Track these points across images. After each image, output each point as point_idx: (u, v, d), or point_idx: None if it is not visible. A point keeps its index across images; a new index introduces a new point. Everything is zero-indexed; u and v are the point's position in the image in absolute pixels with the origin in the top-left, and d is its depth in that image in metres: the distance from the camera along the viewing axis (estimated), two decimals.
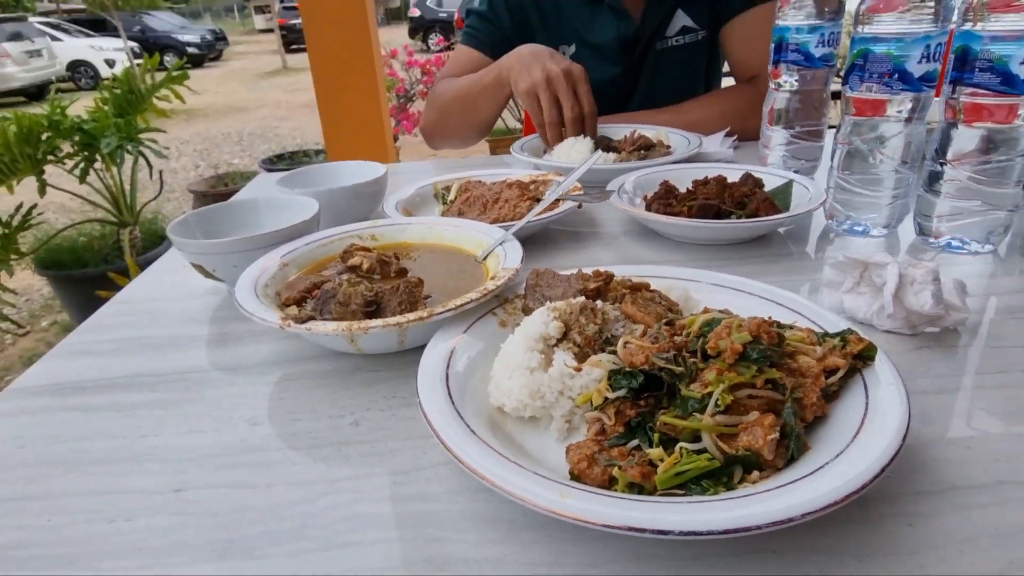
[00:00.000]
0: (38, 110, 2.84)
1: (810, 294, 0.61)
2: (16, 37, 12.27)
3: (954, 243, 0.68)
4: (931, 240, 0.69)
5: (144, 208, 3.53)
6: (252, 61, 19.24)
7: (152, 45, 16.71)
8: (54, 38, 13.73)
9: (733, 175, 0.83)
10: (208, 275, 0.66)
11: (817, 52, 0.84)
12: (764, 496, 0.32)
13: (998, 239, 0.67)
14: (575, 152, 0.99)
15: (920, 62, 0.64)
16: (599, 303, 0.47)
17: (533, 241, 0.76)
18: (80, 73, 14.21)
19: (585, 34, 1.25)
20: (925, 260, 0.53)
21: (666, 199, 0.77)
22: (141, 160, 3.13)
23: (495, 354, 0.46)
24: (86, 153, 3.01)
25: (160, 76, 3.36)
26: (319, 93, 2.62)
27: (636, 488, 0.35)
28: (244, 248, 0.62)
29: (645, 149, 1.01)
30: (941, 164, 0.65)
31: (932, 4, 0.61)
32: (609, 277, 0.51)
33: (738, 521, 0.30)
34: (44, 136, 2.85)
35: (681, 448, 0.36)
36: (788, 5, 0.83)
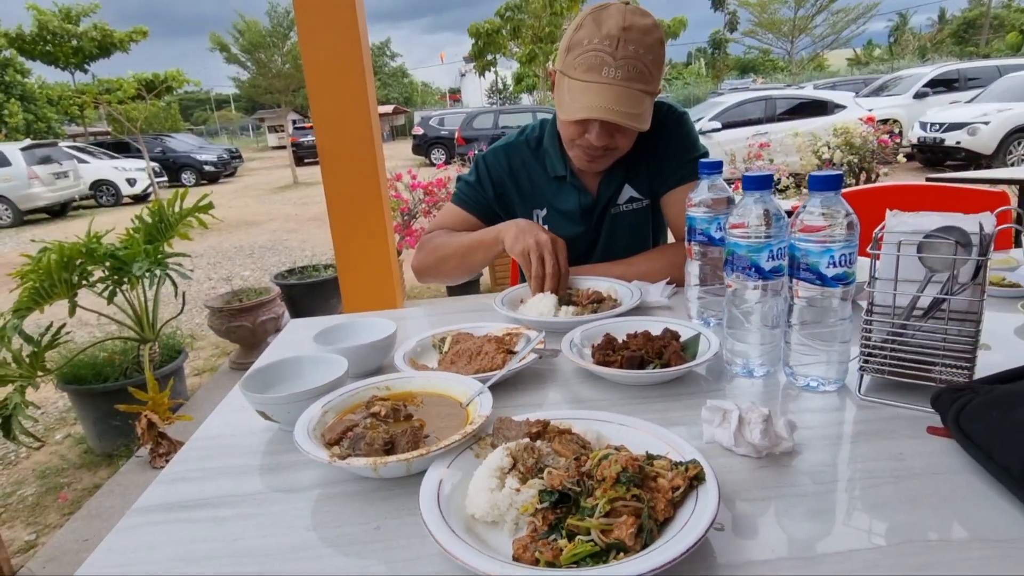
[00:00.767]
0: (71, 234, 3.13)
1: (700, 425, 0.86)
2: (45, 161, 13.10)
3: (811, 383, 0.93)
4: (795, 381, 0.95)
5: (164, 325, 3.78)
6: (264, 176, 20.27)
7: (172, 165, 17.83)
8: (80, 160, 14.63)
9: (658, 328, 1.10)
10: (267, 418, 0.91)
11: (717, 235, 1.13)
12: (621, 567, 0.56)
13: (843, 379, 0.93)
14: (543, 306, 1.27)
15: (768, 260, 0.92)
16: (538, 443, 0.72)
17: (507, 384, 1.02)
18: (102, 192, 15.02)
19: (553, 202, 1.58)
20: (761, 407, 0.78)
21: (606, 349, 1.04)
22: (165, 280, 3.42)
23: (471, 477, 0.70)
24: (116, 277, 3.29)
25: (186, 202, 3.67)
26: (332, 219, 2.94)
27: (551, 565, 0.58)
28: (296, 400, 0.88)
29: (597, 303, 1.29)
30: (789, 326, 0.92)
31: (767, 228, 0.91)
32: (546, 424, 0.76)
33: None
34: (79, 262, 3.13)
35: (578, 539, 0.60)
36: (692, 204, 1.14)
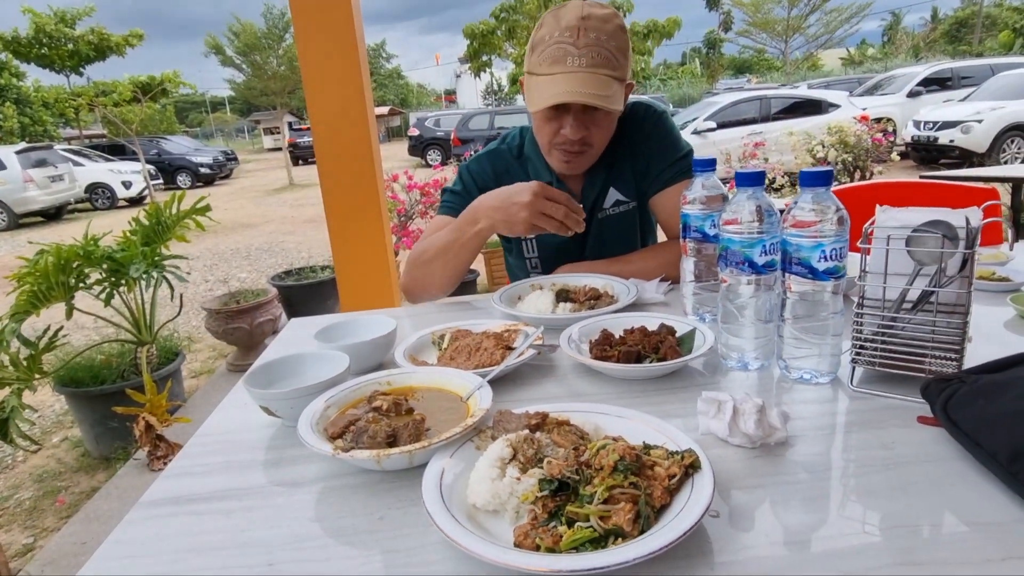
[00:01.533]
0: (67, 237, 3.13)
1: (695, 417, 0.87)
2: (41, 164, 13.07)
3: (804, 376, 0.95)
4: (788, 374, 0.97)
5: (161, 327, 3.78)
6: (260, 178, 20.25)
7: (168, 167, 17.81)
8: (76, 163, 14.59)
9: (655, 323, 1.12)
10: (270, 413, 0.92)
11: (711, 232, 1.15)
12: (619, 551, 0.58)
13: (835, 372, 0.95)
14: (541, 303, 1.29)
15: (761, 256, 0.94)
16: (537, 434, 0.74)
17: (506, 379, 1.03)
18: (97, 195, 14.98)
19: None
20: (755, 397, 0.80)
21: (603, 345, 1.06)
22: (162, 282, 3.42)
23: (472, 469, 0.72)
24: (113, 279, 3.29)
25: (183, 204, 3.67)
26: (329, 219, 2.95)
27: (551, 551, 0.60)
28: (299, 395, 0.89)
29: (594, 299, 1.30)
30: (782, 320, 0.94)
31: (760, 223, 0.92)
32: (545, 416, 0.78)
33: (597, 563, 0.55)
34: (76, 264, 3.13)
35: (578, 526, 0.61)
36: (687, 202, 1.16)
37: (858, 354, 0.92)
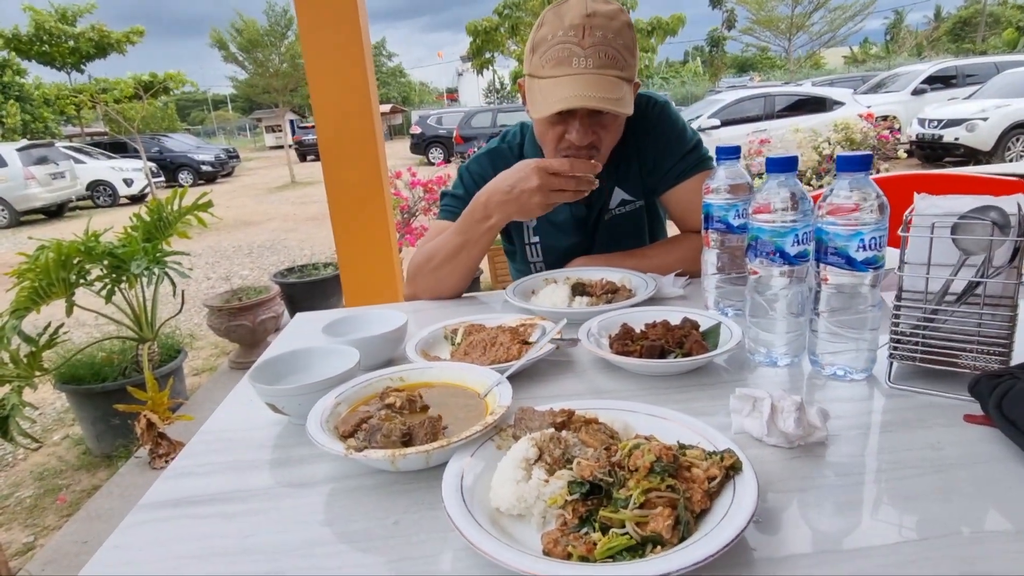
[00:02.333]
0: (68, 234, 3.10)
1: (725, 416, 0.82)
2: (42, 161, 13.05)
3: (838, 372, 0.91)
4: (821, 370, 0.92)
5: (163, 324, 3.74)
6: (262, 176, 20.24)
7: (169, 165, 17.78)
8: (77, 160, 14.58)
9: (677, 317, 1.07)
10: (277, 411, 0.88)
11: (735, 222, 1.10)
12: (660, 560, 0.53)
13: (871, 368, 0.90)
14: (556, 296, 1.24)
15: (793, 245, 0.89)
16: (564, 433, 0.69)
17: (523, 375, 0.99)
18: (99, 192, 14.97)
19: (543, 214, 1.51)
20: (793, 395, 0.75)
21: (624, 339, 1.01)
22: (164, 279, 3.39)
23: (493, 470, 0.67)
24: (114, 275, 3.25)
25: (185, 201, 3.64)
26: (333, 214, 2.91)
27: (584, 559, 0.55)
28: (307, 392, 0.84)
29: (612, 293, 1.26)
30: (816, 314, 0.89)
31: (793, 211, 0.88)
32: (571, 414, 0.73)
33: (637, 572, 0.51)
34: (76, 260, 3.09)
35: (612, 532, 0.57)
36: (711, 192, 1.11)
37: (895, 349, 0.87)
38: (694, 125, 11.40)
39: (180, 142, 19.69)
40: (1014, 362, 0.80)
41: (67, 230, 3.26)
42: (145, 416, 3.04)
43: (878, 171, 7.81)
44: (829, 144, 7.74)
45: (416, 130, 19.81)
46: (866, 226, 0.81)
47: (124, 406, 2.96)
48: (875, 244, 0.82)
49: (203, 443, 0.89)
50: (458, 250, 1.37)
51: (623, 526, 0.56)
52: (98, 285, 3.18)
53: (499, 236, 1.42)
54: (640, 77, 1.38)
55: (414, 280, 1.47)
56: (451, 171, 6.32)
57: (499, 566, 0.54)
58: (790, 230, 0.89)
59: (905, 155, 9.67)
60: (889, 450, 0.74)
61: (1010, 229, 0.77)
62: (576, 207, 1.51)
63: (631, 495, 0.58)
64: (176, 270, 3.38)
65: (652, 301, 1.24)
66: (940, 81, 13.76)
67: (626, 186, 1.52)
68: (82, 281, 3.11)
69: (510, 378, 0.87)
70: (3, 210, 12.59)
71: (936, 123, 11.05)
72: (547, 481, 0.62)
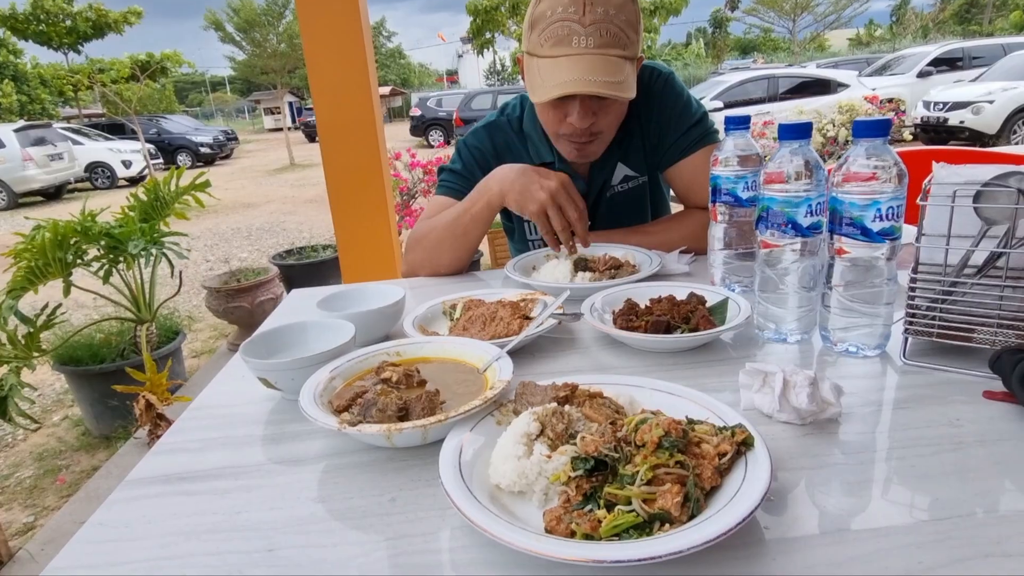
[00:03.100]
0: (67, 216, 3.06)
1: (733, 393, 0.80)
2: (40, 142, 12.97)
3: (850, 348, 0.88)
4: (833, 346, 0.89)
5: (161, 306, 3.72)
6: (261, 158, 20.13)
7: (167, 146, 17.66)
8: (75, 142, 14.47)
9: (683, 292, 1.04)
10: (270, 386, 0.85)
11: (744, 195, 1.07)
12: (669, 539, 0.50)
13: (885, 344, 0.87)
14: (558, 272, 1.21)
15: (806, 216, 0.86)
16: (567, 407, 0.66)
17: (524, 351, 0.96)
18: (97, 174, 14.88)
19: None
20: (806, 369, 0.72)
21: (628, 315, 0.98)
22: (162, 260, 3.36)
23: (493, 446, 0.65)
24: (111, 256, 3.22)
25: (182, 181, 3.60)
26: (331, 194, 2.88)
27: (588, 537, 0.53)
28: (301, 366, 0.81)
29: (615, 268, 1.22)
30: (829, 288, 0.86)
31: (807, 180, 0.84)
32: (574, 388, 0.70)
33: (646, 552, 0.48)
34: (73, 241, 3.06)
35: (618, 510, 0.54)
36: (719, 163, 1.07)
37: (911, 324, 0.84)
38: None
39: (178, 124, 19.53)
40: None
41: (65, 212, 3.22)
42: (144, 397, 3.02)
43: None
44: (834, 126, 7.67)
45: (416, 112, 19.65)
46: (883, 195, 0.78)
47: (123, 387, 2.94)
48: (893, 214, 0.79)
49: (194, 419, 0.86)
50: (456, 223, 1.35)
51: (629, 503, 0.54)
52: (96, 266, 3.15)
53: (498, 215, 1.38)
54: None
55: (412, 251, 1.44)
56: (451, 152, 6.25)
57: (499, 544, 0.51)
58: (804, 200, 0.85)
59: (911, 137, 9.58)
60: (905, 427, 0.71)
61: None
62: (577, 182, 1.46)
63: (638, 471, 0.55)
64: (174, 251, 3.35)
65: (656, 277, 1.21)
66: (946, 63, 13.59)
67: (629, 162, 1.48)
68: (79, 262, 3.08)
69: (510, 354, 0.84)
70: (1, 192, 12.52)
71: (941, 106, 10.94)
72: (549, 457, 0.59)
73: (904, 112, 10.04)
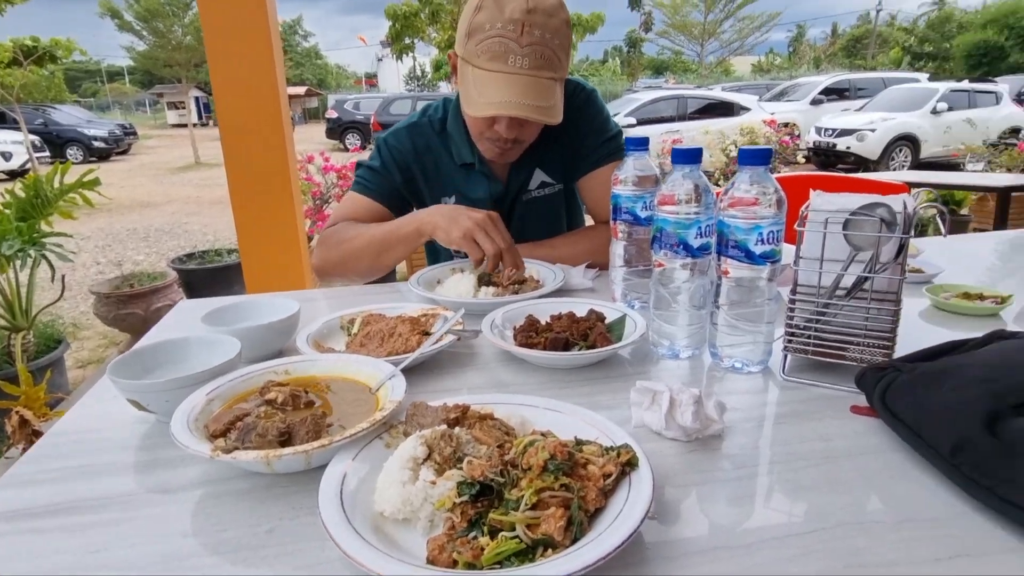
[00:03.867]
0: None
1: (627, 409, 0.81)
2: None
3: (736, 364, 0.91)
4: (720, 362, 0.92)
5: (40, 312, 3.42)
6: (162, 155, 18.95)
7: (56, 139, 16.30)
8: None
9: (583, 309, 1.05)
10: (142, 408, 0.78)
11: (643, 214, 1.10)
12: (550, 565, 0.50)
13: (767, 360, 0.91)
14: (462, 287, 1.20)
15: (696, 237, 0.89)
16: (456, 430, 0.65)
17: (421, 368, 0.94)
18: None
19: (461, 189, 1.50)
20: (692, 387, 0.74)
21: (528, 331, 0.98)
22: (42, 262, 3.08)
23: (380, 472, 0.62)
24: None
25: (70, 177, 3.34)
26: (233, 196, 2.74)
27: (471, 566, 0.52)
28: (176, 387, 0.76)
29: (519, 284, 1.23)
30: (716, 307, 0.89)
31: (696, 203, 0.88)
32: (465, 409, 0.69)
33: None
34: None
35: (501, 536, 0.53)
36: (619, 182, 1.10)
37: (790, 342, 0.89)
38: None
39: (69, 115, 18.06)
40: (897, 355, 0.83)
41: None
42: (18, 412, 2.75)
43: (777, 173, 8.28)
44: (735, 147, 8.12)
45: (332, 114, 19.14)
46: (765, 220, 0.82)
47: None
48: (773, 238, 0.83)
49: (52, 445, 0.78)
50: (383, 238, 1.36)
51: (513, 529, 0.53)
52: None
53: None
54: None
55: (328, 249, 1.43)
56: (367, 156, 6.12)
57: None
58: (693, 222, 0.89)
59: (804, 160, 10.30)
60: (782, 442, 0.75)
61: (896, 227, 0.79)
62: (494, 184, 1.49)
63: (523, 495, 0.54)
64: (56, 253, 3.09)
65: (560, 293, 1.22)
66: (835, 93, 14.77)
67: (547, 168, 1.52)
68: None
69: (408, 371, 0.82)
70: None
71: (831, 132, 11.86)
72: (435, 482, 0.58)
73: (799, 136, 10.80)
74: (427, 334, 0.97)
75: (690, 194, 0.88)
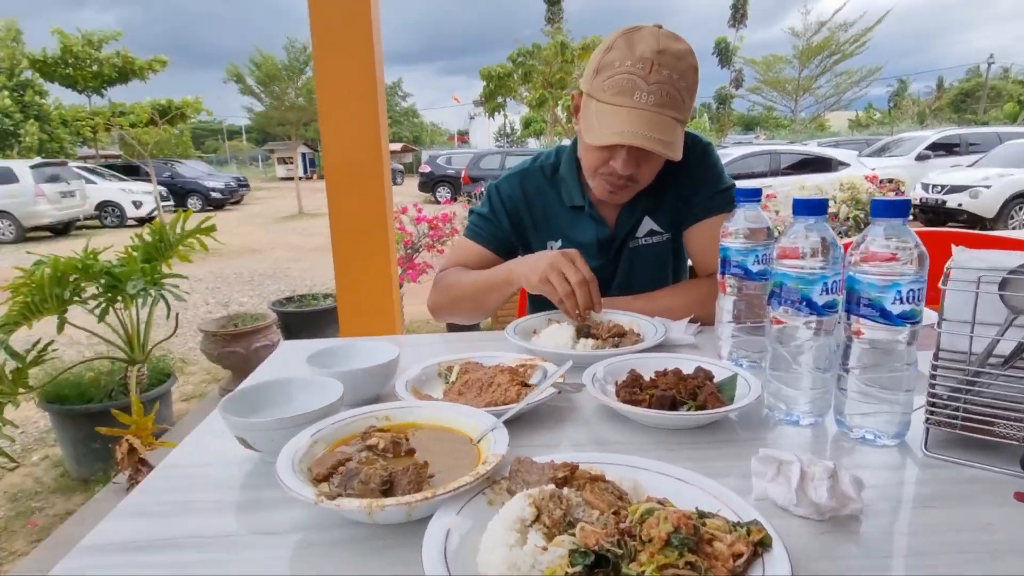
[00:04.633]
0: (69, 252, 3.05)
1: (743, 479, 0.74)
2: (54, 179, 13.21)
3: (867, 436, 0.82)
4: (848, 432, 0.84)
5: (155, 347, 3.66)
6: (270, 206, 20.42)
7: (179, 190, 17.98)
8: (89, 181, 14.75)
9: (689, 366, 0.99)
10: (248, 446, 0.79)
11: (754, 268, 1.04)
12: None
13: (904, 433, 0.82)
14: (560, 338, 1.17)
15: (821, 294, 0.82)
16: (565, 490, 0.61)
17: (520, 420, 0.90)
18: (107, 212, 15.10)
19: (569, 233, 1.50)
20: (824, 459, 0.67)
21: (632, 387, 0.93)
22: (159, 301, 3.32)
23: (483, 529, 0.59)
24: (110, 295, 3.19)
25: (189, 224, 3.61)
26: (335, 244, 2.86)
27: None
28: (282, 427, 0.76)
29: (619, 336, 1.18)
30: (845, 370, 0.81)
31: (823, 257, 0.81)
32: (574, 468, 0.65)
33: None
34: (73, 278, 3.04)
35: None
36: (729, 235, 1.04)
37: (932, 413, 0.79)
38: None
39: (192, 168, 19.93)
40: None
41: (69, 248, 3.21)
42: (127, 440, 2.94)
43: None
44: (835, 202, 7.76)
45: (425, 169, 20.04)
46: (904, 277, 0.75)
47: (107, 429, 2.86)
48: (914, 297, 0.75)
49: (164, 479, 0.81)
50: (480, 286, 1.43)
51: None
52: (92, 303, 3.11)
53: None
54: None
55: (438, 293, 1.54)
56: (457, 209, 6.31)
57: None
58: (819, 277, 0.82)
59: (911, 217, 9.70)
60: (932, 529, 0.65)
61: None
62: (601, 228, 1.49)
63: (644, 571, 0.49)
64: (173, 293, 3.32)
65: (661, 347, 1.16)
66: (943, 148, 13.94)
67: (656, 216, 1.50)
68: (76, 299, 3.05)
69: (507, 423, 0.79)
70: (10, 225, 12.64)
71: (940, 188, 11.13)
72: (545, 548, 0.54)
73: (903, 192, 10.20)
74: (525, 385, 0.95)
75: (815, 247, 0.82)
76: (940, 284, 0.77)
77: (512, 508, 0.58)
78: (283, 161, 37.09)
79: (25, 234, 12.79)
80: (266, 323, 4.37)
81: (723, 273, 1.08)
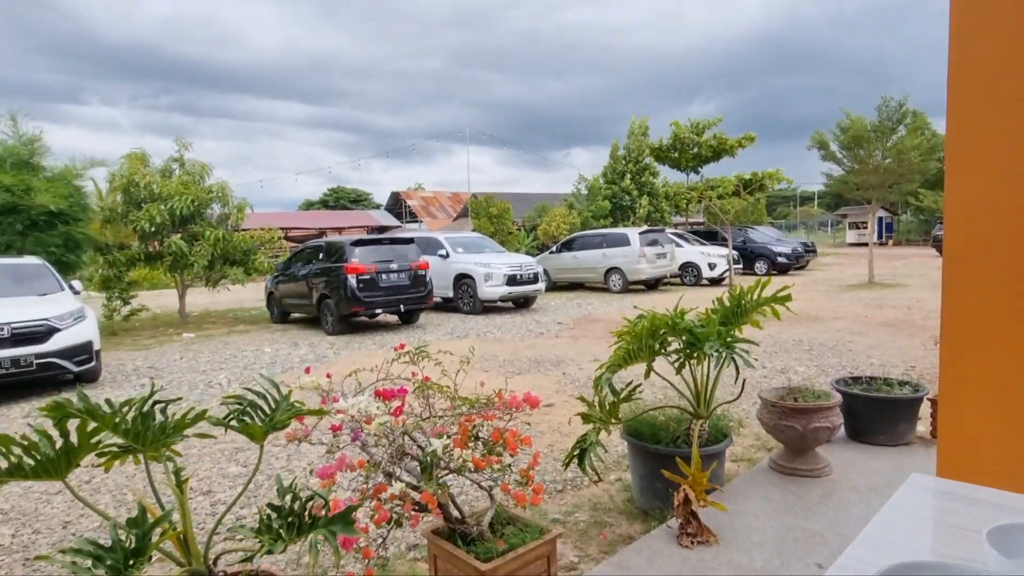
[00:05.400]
0: (659, 307, 3.46)
1: None
2: (653, 243, 15.99)
3: None
4: None
5: (718, 407, 3.81)
6: (836, 272, 19.50)
7: (750, 254, 19.16)
8: (677, 244, 17.27)
9: None
10: None
11: None
12: None
13: None
14: None
15: None
16: None
17: None
18: (687, 272, 17.34)
19: None
20: None
21: None
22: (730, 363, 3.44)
23: None
24: (688, 351, 3.49)
25: (765, 292, 3.64)
26: (946, 327, 2.30)
27: None
28: None
29: None
30: None
31: None
32: None
33: None
34: (662, 331, 3.45)
35: None
36: None
37: None
38: None
39: (763, 234, 20.92)
40: None
41: (656, 301, 3.70)
42: (684, 490, 3.13)
43: None
44: None
45: None
46: None
47: (669, 474, 3.12)
48: None
49: None
50: None
51: None
52: (673, 356, 3.47)
53: None
54: None
55: None
56: None
57: None
58: None
59: None
60: None
61: None
62: None
63: None
64: (743, 358, 3.39)
65: None
66: None
67: None
68: (663, 351, 3.46)
69: None
70: (619, 279, 15.93)
71: None
72: None
73: None
74: None
75: None
76: None
77: None
78: (855, 226, 34.98)
79: (628, 286, 15.86)
80: (829, 404, 4.02)
81: None
